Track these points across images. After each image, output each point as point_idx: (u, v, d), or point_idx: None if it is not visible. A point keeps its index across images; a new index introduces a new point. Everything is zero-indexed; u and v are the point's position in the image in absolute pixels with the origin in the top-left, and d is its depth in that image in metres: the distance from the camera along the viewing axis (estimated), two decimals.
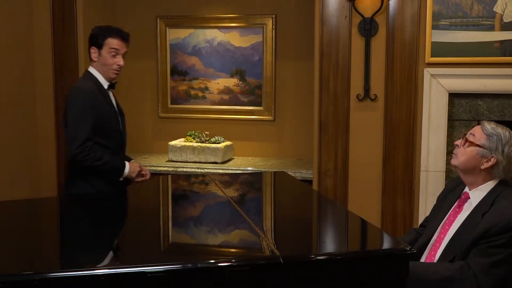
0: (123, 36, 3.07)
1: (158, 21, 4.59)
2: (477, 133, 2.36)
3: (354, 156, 3.80)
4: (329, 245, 2.06)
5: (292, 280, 1.74)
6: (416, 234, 2.63)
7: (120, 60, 3.04)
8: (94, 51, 3.05)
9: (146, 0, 4.60)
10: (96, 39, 3.05)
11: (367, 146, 3.77)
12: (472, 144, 2.35)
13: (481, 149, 2.32)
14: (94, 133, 2.96)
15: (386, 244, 2.06)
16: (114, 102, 3.15)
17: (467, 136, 2.39)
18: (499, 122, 2.99)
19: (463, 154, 2.37)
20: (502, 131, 2.34)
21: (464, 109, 3.69)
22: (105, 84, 3.08)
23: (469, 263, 2.20)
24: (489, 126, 2.36)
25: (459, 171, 2.43)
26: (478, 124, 2.43)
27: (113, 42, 3.03)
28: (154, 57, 4.63)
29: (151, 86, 4.69)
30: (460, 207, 2.41)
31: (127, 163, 3.09)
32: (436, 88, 3.63)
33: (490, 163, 2.31)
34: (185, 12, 4.55)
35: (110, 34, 3.04)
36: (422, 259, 2.44)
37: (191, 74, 4.60)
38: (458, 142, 2.43)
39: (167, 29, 4.59)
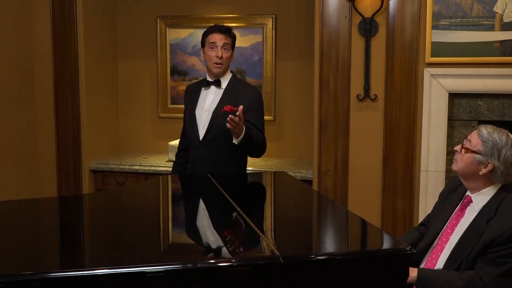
0: (221, 29, 3.11)
1: (158, 21, 4.58)
2: (473, 139, 2.33)
3: (354, 156, 3.79)
4: (329, 245, 2.06)
5: (292, 280, 1.73)
6: (419, 234, 2.62)
7: (218, 52, 3.06)
8: (201, 52, 3.17)
9: (146, 0, 4.60)
10: (201, 40, 3.16)
11: (367, 146, 3.77)
12: (468, 150, 2.32)
13: (477, 155, 2.30)
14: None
15: (386, 244, 2.06)
16: (210, 99, 3.13)
17: (464, 142, 2.37)
18: (499, 122, 2.98)
19: (461, 161, 2.35)
20: (498, 135, 2.29)
21: (464, 109, 3.69)
22: (206, 82, 3.15)
23: (479, 273, 2.19)
24: (485, 131, 2.32)
25: (459, 176, 2.42)
26: (480, 125, 2.41)
27: (211, 37, 3.10)
28: (154, 57, 4.63)
29: (151, 86, 4.68)
30: (462, 210, 2.40)
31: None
32: (436, 88, 3.63)
33: (487, 169, 2.30)
34: (185, 12, 4.54)
35: (209, 31, 3.12)
36: (423, 263, 2.43)
37: (191, 74, 4.60)
38: (457, 147, 2.40)
39: (167, 29, 4.58)
